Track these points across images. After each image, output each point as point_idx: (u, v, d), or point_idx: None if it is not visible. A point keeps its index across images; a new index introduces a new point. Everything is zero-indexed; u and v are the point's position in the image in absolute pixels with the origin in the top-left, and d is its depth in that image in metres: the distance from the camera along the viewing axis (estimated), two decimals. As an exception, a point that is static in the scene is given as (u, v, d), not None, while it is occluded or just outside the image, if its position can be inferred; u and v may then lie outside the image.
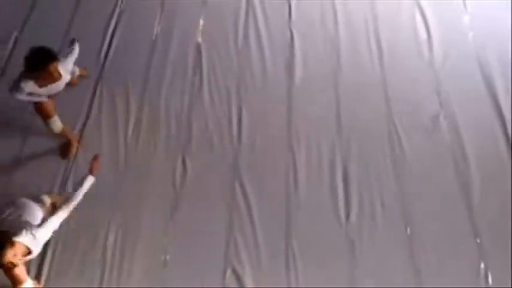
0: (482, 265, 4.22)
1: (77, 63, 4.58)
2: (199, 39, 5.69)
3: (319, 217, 4.48)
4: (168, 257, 4.24)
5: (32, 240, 3.62)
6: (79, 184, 3.85)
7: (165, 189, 4.57)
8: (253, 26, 5.81)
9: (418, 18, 5.91)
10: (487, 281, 4.17)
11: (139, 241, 4.32)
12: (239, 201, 4.54)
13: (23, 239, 3.57)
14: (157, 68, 5.44)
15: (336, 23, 5.86)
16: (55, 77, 4.23)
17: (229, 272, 4.18)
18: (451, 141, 4.92)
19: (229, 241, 4.33)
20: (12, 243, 3.53)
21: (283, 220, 4.45)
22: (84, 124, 4.97)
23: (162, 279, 4.16)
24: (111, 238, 4.35)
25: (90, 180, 3.88)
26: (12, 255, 3.53)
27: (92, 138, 4.88)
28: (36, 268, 4.20)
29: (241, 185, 4.62)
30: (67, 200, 3.81)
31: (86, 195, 4.00)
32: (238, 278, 4.16)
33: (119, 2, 5.94)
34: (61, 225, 3.77)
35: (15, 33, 5.60)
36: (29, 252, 3.66)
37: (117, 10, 5.85)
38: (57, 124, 4.62)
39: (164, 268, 4.19)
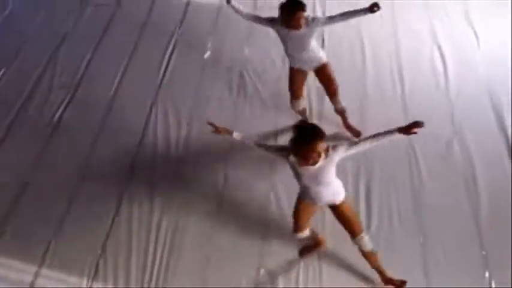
0: (486, 274, 4.39)
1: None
2: (244, 66, 6.17)
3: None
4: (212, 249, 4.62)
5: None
6: (379, 134, 3.73)
7: (210, 194, 4.92)
8: (289, 56, 6.24)
9: (436, 54, 6.17)
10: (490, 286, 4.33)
11: (189, 226, 4.79)
12: (273, 207, 4.86)
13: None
14: (206, 88, 5.91)
15: (363, 56, 6.21)
16: (297, 25, 4.43)
17: (262, 270, 4.46)
18: (462, 164, 5.10)
19: (264, 241, 4.64)
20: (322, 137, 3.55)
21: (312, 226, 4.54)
22: (142, 138, 5.48)
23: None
24: (162, 230, 4.79)
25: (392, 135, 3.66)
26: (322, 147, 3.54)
27: (148, 150, 5.36)
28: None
29: (276, 197, 4.95)
30: (365, 140, 3.76)
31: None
32: (271, 275, 4.41)
33: (176, 30, 6.62)
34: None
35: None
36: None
37: (173, 40, 6.60)
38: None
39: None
